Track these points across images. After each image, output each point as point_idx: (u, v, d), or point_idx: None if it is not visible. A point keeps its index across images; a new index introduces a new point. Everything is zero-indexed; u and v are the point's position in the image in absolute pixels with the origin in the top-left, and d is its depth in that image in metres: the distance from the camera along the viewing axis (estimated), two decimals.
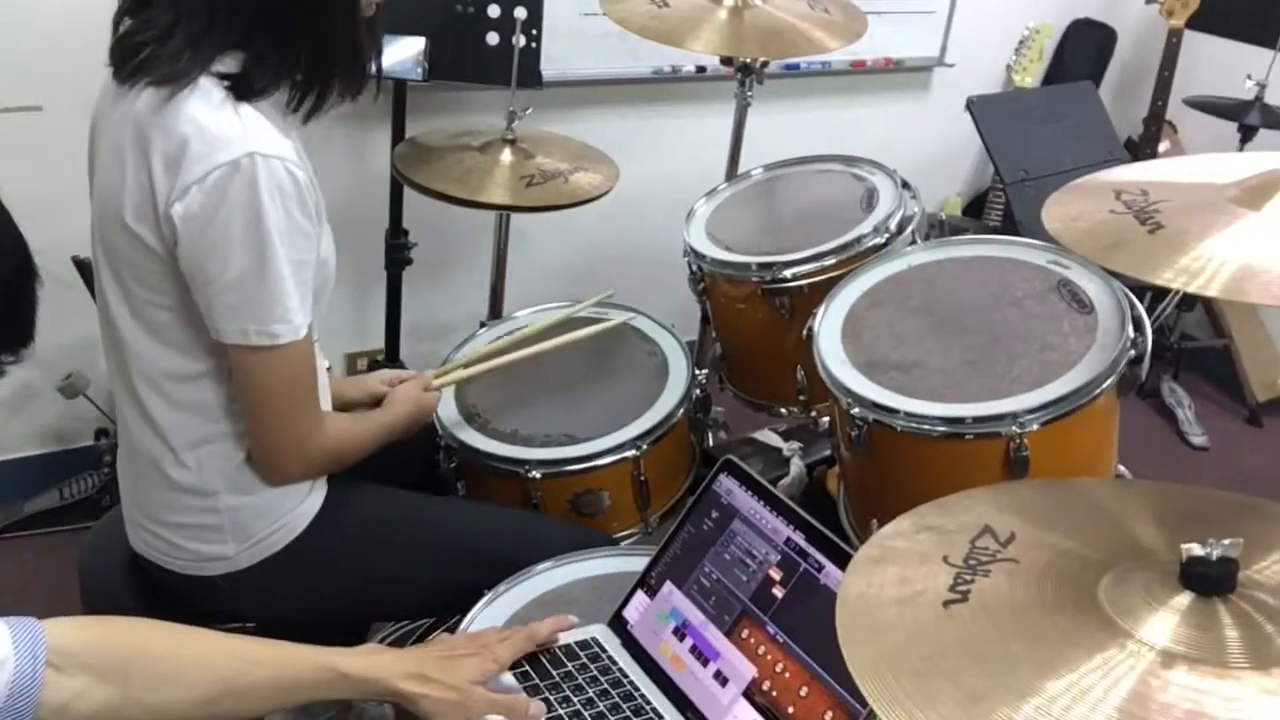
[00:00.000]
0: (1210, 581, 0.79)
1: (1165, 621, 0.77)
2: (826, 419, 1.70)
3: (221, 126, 1.16)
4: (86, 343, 2.35)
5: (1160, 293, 2.87)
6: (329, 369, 1.59)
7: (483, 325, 1.93)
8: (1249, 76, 2.79)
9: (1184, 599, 0.79)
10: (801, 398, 1.75)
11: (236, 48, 1.20)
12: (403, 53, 2.17)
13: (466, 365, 1.69)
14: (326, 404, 1.39)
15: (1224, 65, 3.06)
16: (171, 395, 1.28)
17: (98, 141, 1.30)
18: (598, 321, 1.78)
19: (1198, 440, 3.02)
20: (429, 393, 1.58)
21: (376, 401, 1.54)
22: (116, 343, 1.29)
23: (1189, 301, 3.06)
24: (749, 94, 2.25)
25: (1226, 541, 0.79)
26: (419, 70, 2.19)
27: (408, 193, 2.25)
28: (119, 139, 1.22)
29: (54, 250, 2.17)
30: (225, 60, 1.20)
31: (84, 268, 2.16)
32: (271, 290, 1.18)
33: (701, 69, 2.75)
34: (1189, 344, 3.20)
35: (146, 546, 1.36)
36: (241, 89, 1.19)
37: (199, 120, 1.16)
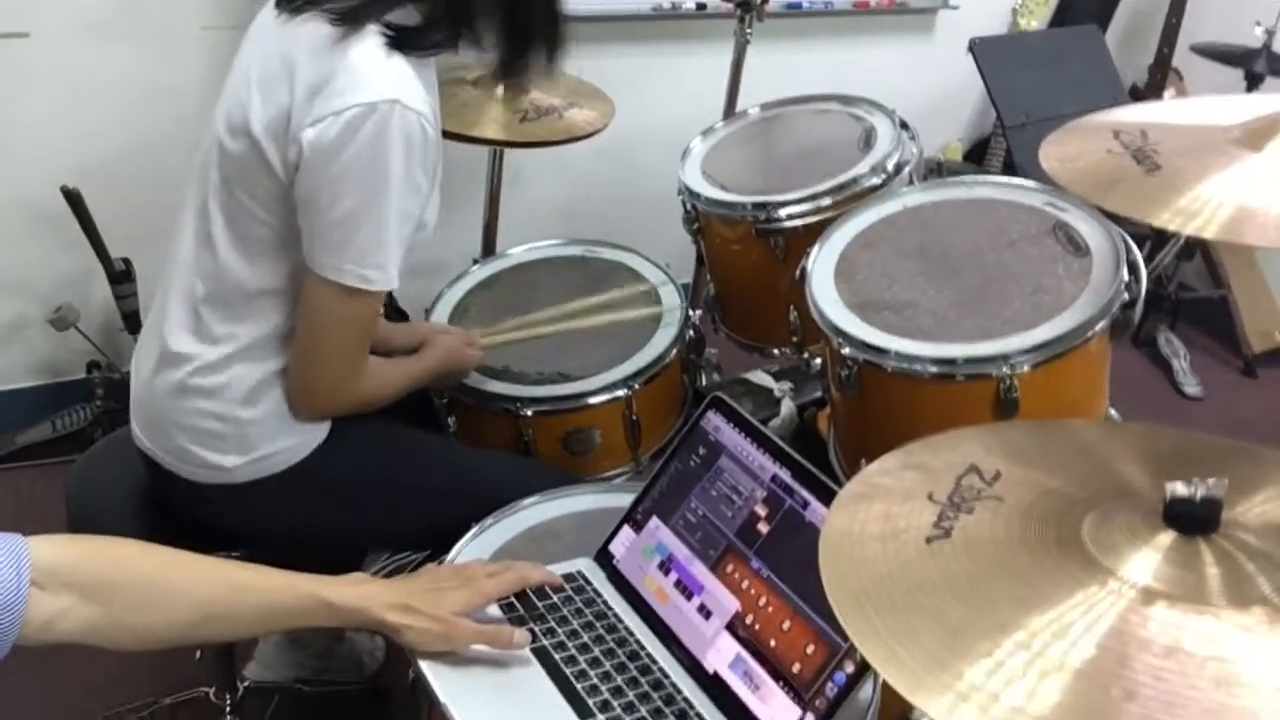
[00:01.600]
0: (1193, 521, 0.79)
1: (1147, 560, 0.77)
2: (818, 360, 1.70)
3: (371, 68, 1.18)
4: (77, 274, 2.34)
5: (1159, 241, 2.85)
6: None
7: (475, 262, 1.92)
8: (1257, 23, 2.74)
9: (1166, 538, 0.79)
10: (794, 339, 1.74)
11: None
12: None
13: (512, 330, 1.71)
14: None
15: (1232, 12, 3.01)
16: (233, 307, 1.30)
17: (241, 55, 1.31)
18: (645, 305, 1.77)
19: (1192, 390, 3.02)
20: (470, 349, 1.58)
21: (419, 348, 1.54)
22: (195, 244, 1.31)
23: (1187, 251, 3.05)
24: (748, 32, 2.22)
25: (1211, 481, 0.79)
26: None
27: None
28: (266, 54, 1.24)
29: (43, 181, 2.17)
30: (399, 12, 1.22)
31: (73, 198, 2.14)
32: (375, 235, 1.21)
33: (701, 5, 2.71)
34: (1186, 294, 3.19)
35: (152, 444, 1.37)
36: (404, 42, 1.21)
37: (352, 57, 1.18)
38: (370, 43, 1.20)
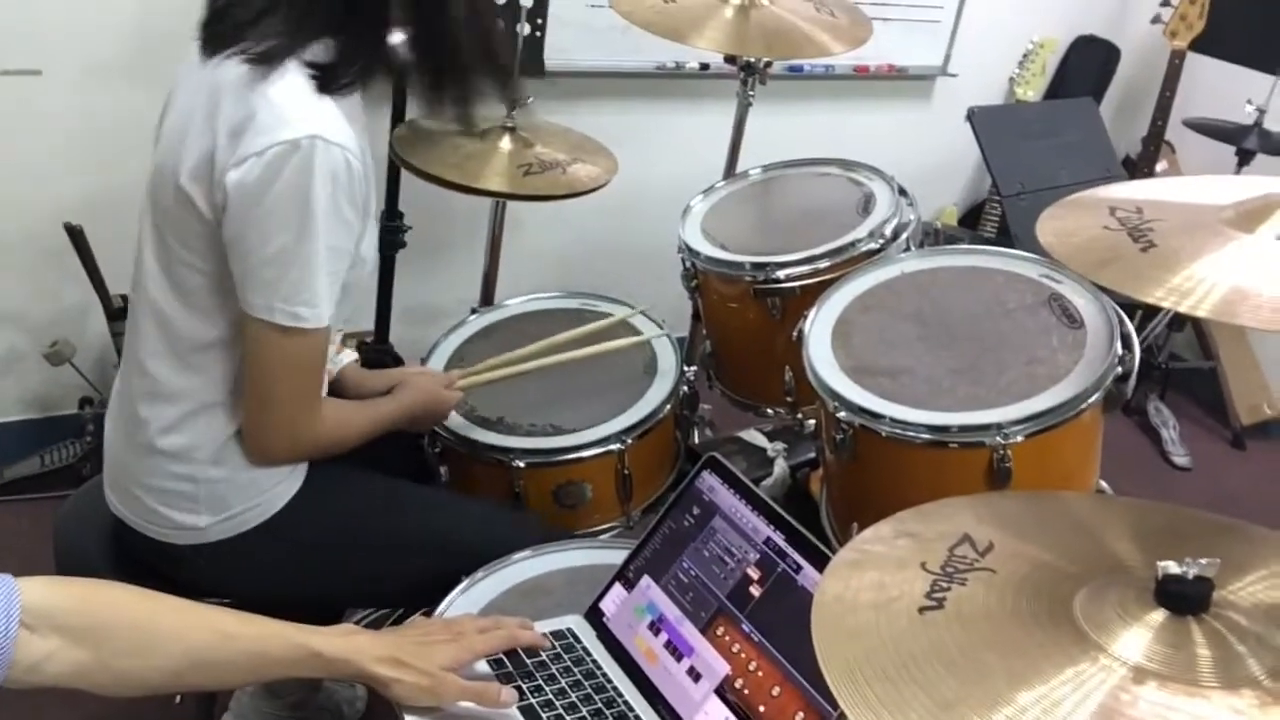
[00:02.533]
0: (1185, 600, 0.79)
1: (1138, 638, 0.78)
2: (812, 421, 1.70)
3: (292, 106, 1.17)
4: (74, 310, 2.35)
5: (1150, 312, 2.88)
6: (356, 360, 1.59)
7: (474, 312, 1.93)
8: (1249, 101, 2.80)
9: (1158, 616, 0.79)
10: (789, 399, 1.75)
11: (331, 33, 1.22)
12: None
13: (492, 369, 1.70)
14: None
15: (1225, 89, 3.07)
16: (184, 359, 1.29)
17: (171, 103, 1.32)
18: (627, 334, 1.80)
19: (1181, 461, 3.03)
20: (449, 391, 1.57)
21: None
22: (141, 301, 1.30)
23: (1178, 322, 3.08)
24: (751, 94, 2.25)
25: (1203, 561, 0.79)
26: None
27: (404, 176, 2.25)
28: (192, 101, 1.24)
29: (46, 216, 2.18)
30: (316, 48, 1.22)
31: (75, 234, 2.15)
32: (304, 272, 1.19)
33: (705, 66, 2.75)
34: (1177, 364, 3.21)
35: (124, 508, 1.36)
36: (326, 81, 1.21)
37: (272, 96, 1.17)
38: (289, 80, 1.19)
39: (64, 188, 2.24)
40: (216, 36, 1.24)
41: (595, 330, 1.80)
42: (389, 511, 1.45)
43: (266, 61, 1.19)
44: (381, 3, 1.23)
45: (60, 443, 2.40)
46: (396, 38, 1.26)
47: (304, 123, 1.16)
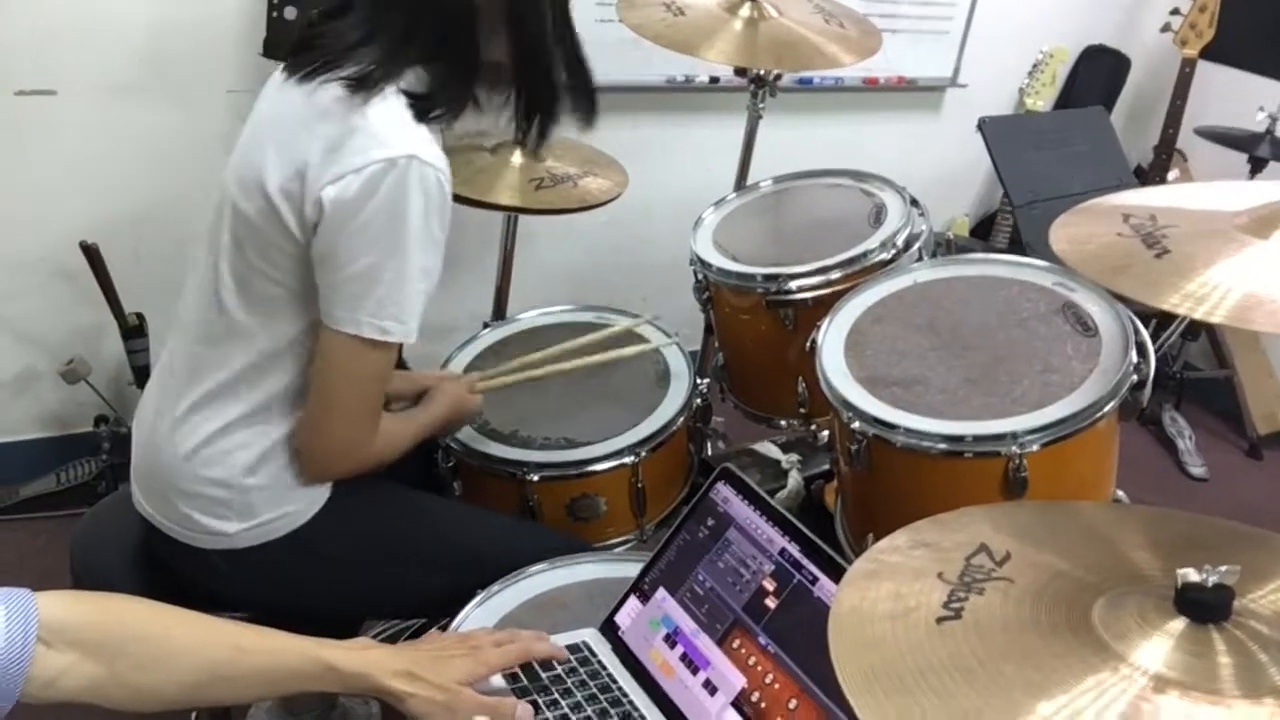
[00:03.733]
0: (1205, 608, 0.79)
1: (1159, 646, 0.77)
2: (826, 433, 1.70)
3: (390, 127, 1.20)
4: (90, 328, 2.36)
5: (1165, 321, 2.87)
6: None
7: (486, 326, 1.94)
8: (1261, 108, 2.79)
9: (1178, 625, 0.79)
10: (802, 410, 1.75)
11: (425, 63, 1.25)
12: None
13: (511, 372, 1.73)
14: None
15: (1236, 96, 3.06)
16: (238, 372, 1.30)
17: (254, 117, 1.34)
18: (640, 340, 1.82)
19: (1197, 471, 3.01)
20: (472, 395, 1.60)
21: (416, 396, 1.55)
22: (202, 306, 1.32)
23: (1193, 331, 3.06)
24: (761, 106, 2.25)
25: (1223, 568, 0.79)
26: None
27: None
28: (280, 115, 1.27)
29: (62, 235, 2.20)
30: (410, 78, 1.25)
31: (91, 253, 2.16)
32: (395, 288, 1.21)
33: (715, 79, 2.76)
34: (1192, 374, 3.20)
35: (152, 510, 1.37)
36: (423, 109, 1.24)
37: (370, 117, 1.20)
38: (389, 104, 1.22)
39: (79, 207, 2.26)
40: (306, 64, 1.26)
41: (611, 335, 1.82)
42: (413, 524, 1.46)
43: (363, 86, 1.21)
44: (473, 34, 1.26)
45: (76, 461, 2.41)
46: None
47: (401, 143, 1.19)
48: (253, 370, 1.31)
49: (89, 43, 2.17)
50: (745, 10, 2.02)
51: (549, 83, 1.34)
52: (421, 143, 1.21)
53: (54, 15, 2.12)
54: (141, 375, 2.32)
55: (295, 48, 1.30)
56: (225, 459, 1.31)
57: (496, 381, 1.70)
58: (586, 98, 1.39)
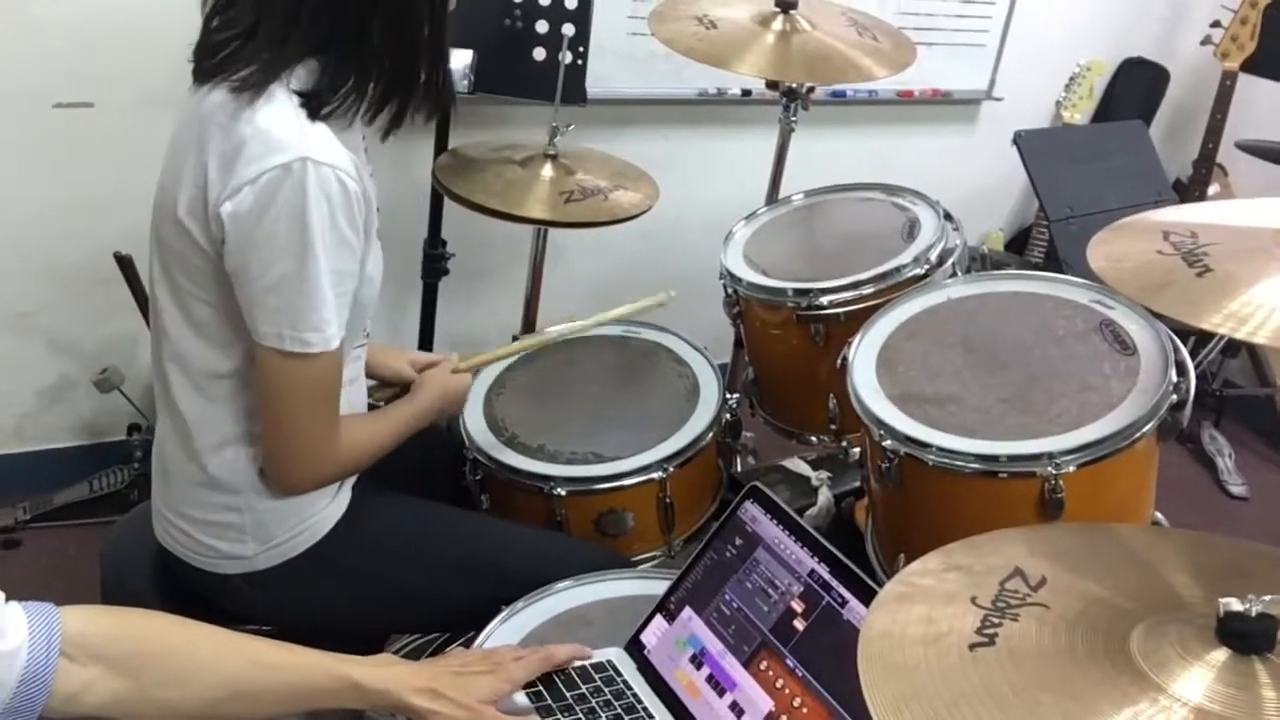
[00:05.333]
0: (1248, 639, 0.76)
1: (1200, 677, 0.75)
2: (857, 450, 1.68)
3: (280, 131, 1.17)
4: (124, 338, 2.38)
5: (1204, 338, 2.82)
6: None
7: (515, 339, 1.93)
8: None
9: (1220, 655, 0.76)
10: (833, 427, 1.73)
11: (314, 54, 1.21)
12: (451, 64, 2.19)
13: (495, 350, 1.70)
14: (360, 402, 1.40)
15: (1278, 110, 3.01)
16: (206, 391, 1.29)
17: (174, 135, 1.32)
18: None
19: (1237, 490, 2.96)
20: (456, 375, 1.56)
21: (404, 387, 1.53)
22: (160, 334, 1.31)
23: (1233, 348, 3.01)
24: (793, 119, 2.23)
25: (1268, 598, 0.76)
26: (465, 82, 2.21)
27: (447, 204, 2.26)
28: (185, 135, 1.24)
29: (97, 246, 2.22)
30: (300, 73, 1.21)
31: (125, 264, 2.18)
32: (309, 297, 1.18)
33: (747, 93, 2.75)
34: (1232, 391, 3.14)
35: (170, 540, 1.37)
36: (313, 106, 1.20)
37: (259, 123, 1.17)
38: (276, 106, 1.18)
39: (114, 218, 2.28)
40: (204, 65, 1.23)
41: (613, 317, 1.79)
42: (434, 536, 1.45)
43: (250, 88, 1.18)
44: (363, 21, 1.21)
45: (109, 469, 2.43)
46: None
47: (293, 145, 1.15)
48: (215, 394, 1.29)
49: (127, 55, 2.19)
50: (778, 23, 2.01)
51: (412, 70, 1.28)
52: (316, 143, 1.17)
53: (92, 28, 2.15)
54: None
55: (196, 52, 1.26)
56: (226, 481, 1.30)
57: (478, 360, 1.66)
58: (441, 94, 1.32)
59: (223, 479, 1.30)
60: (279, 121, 1.17)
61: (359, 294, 1.27)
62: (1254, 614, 0.76)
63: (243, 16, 1.21)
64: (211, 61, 1.22)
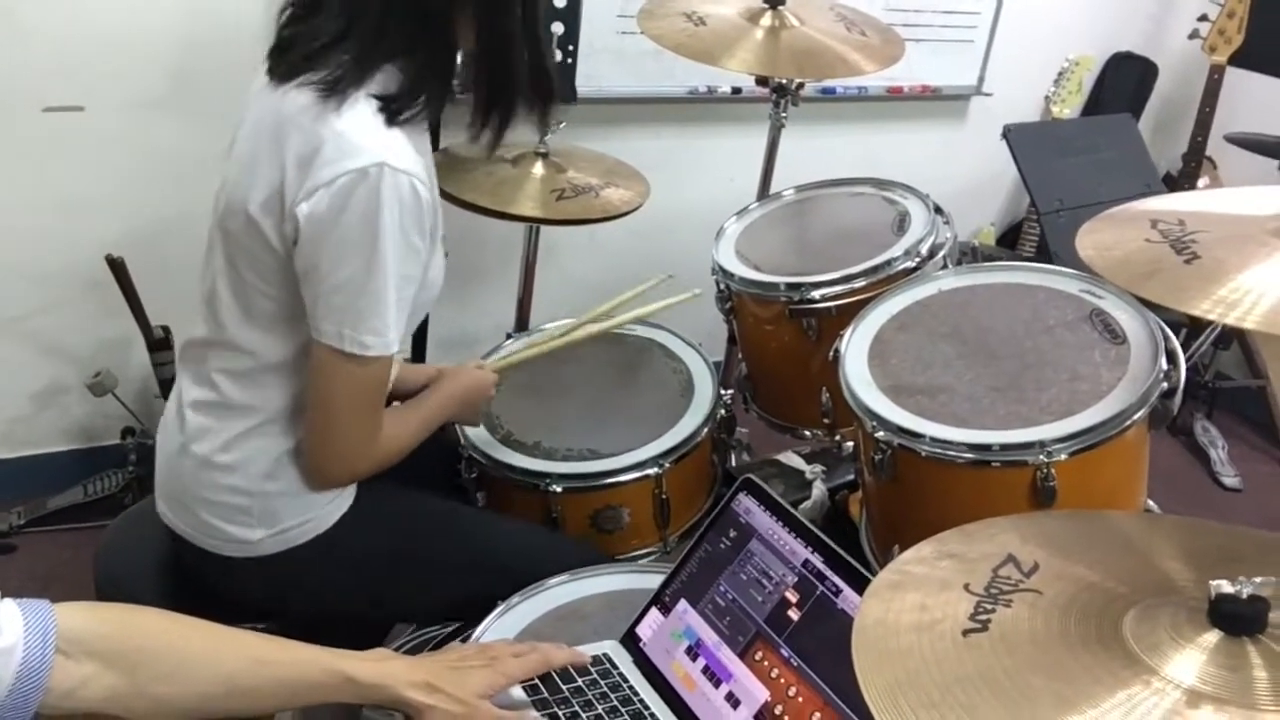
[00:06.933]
0: (1239, 620, 0.77)
1: (1192, 660, 0.75)
2: (850, 443, 1.68)
3: (358, 135, 1.18)
4: (117, 341, 2.38)
5: (1195, 330, 2.83)
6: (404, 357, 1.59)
7: (509, 337, 1.93)
8: None
9: (1212, 637, 0.77)
10: (826, 420, 1.73)
11: (397, 58, 1.23)
12: None
13: (520, 354, 1.71)
14: None
15: (1266, 103, 3.03)
16: (248, 377, 1.31)
17: (240, 128, 1.33)
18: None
19: (1230, 481, 2.97)
20: (479, 370, 1.57)
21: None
22: (209, 318, 1.32)
23: (1224, 340, 3.02)
24: (783, 116, 2.24)
25: (1258, 580, 0.77)
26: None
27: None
28: (259, 130, 1.25)
29: (89, 249, 2.22)
30: (379, 78, 1.22)
31: (117, 267, 2.18)
32: (373, 300, 1.20)
33: (737, 90, 2.75)
34: (1224, 383, 3.15)
35: (177, 519, 1.37)
36: (395, 111, 1.21)
37: (338, 127, 1.18)
38: (357, 111, 1.20)
39: (106, 221, 2.27)
40: (285, 64, 1.25)
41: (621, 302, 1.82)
42: (438, 529, 1.46)
43: (334, 92, 1.20)
44: (448, 22, 1.24)
45: (103, 473, 2.42)
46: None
47: (370, 151, 1.17)
48: (260, 381, 1.31)
49: (117, 59, 2.19)
50: (766, 19, 2.02)
51: (512, 79, 1.30)
52: (393, 149, 1.19)
53: (82, 31, 2.15)
54: (167, 387, 2.32)
55: (272, 49, 1.28)
56: (244, 466, 1.32)
57: (510, 360, 1.67)
58: (545, 99, 1.35)
59: (240, 462, 1.32)
60: (358, 125, 1.19)
61: (418, 298, 1.29)
62: (1245, 596, 0.77)
63: (329, 24, 1.23)
64: (291, 60, 1.24)
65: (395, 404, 1.43)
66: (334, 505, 1.36)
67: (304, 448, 1.31)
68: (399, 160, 1.18)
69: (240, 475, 1.32)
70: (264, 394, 1.31)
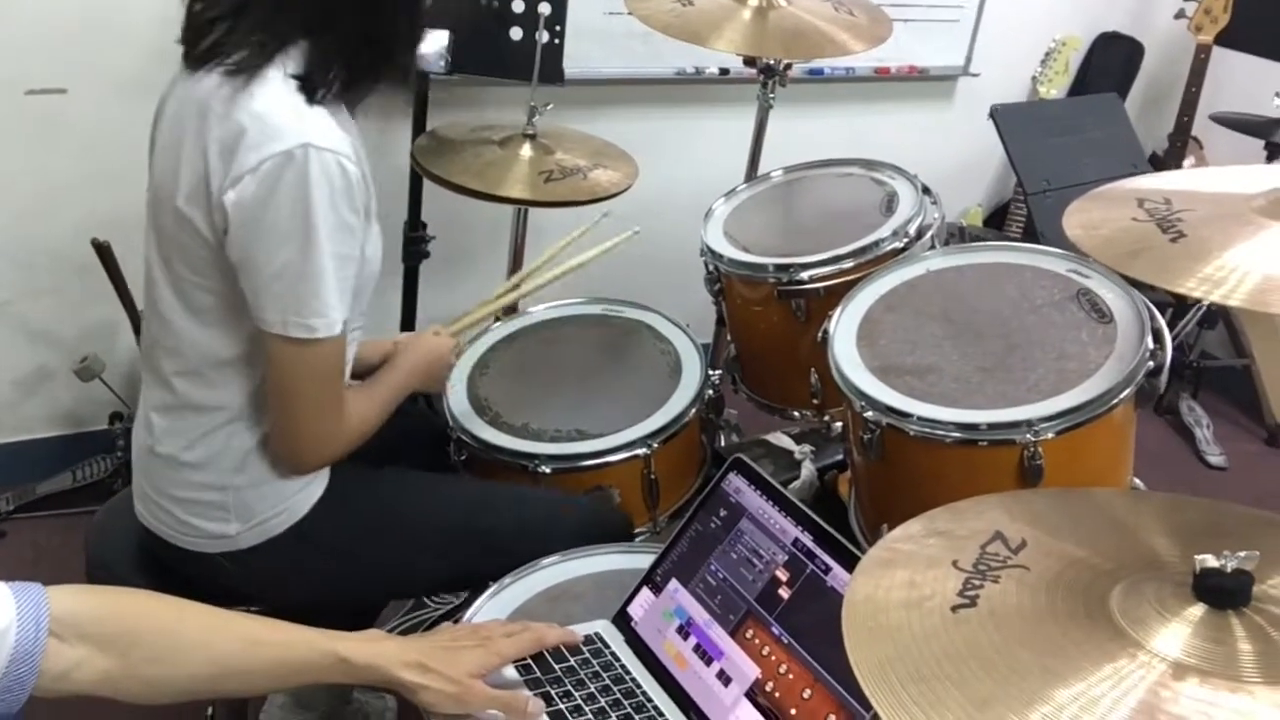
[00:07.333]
0: (1224, 594, 0.78)
1: (1177, 633, 0.76)
2: (839, 423, 1.69)
3: (279, 116, 1.16)
4: (103, 326, 2.37)
5: (1181, 310, 2.84)
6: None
7: (497, 319, 1.93)
8: (1277, 94, 2.75)
9: (1197, 611, 0.78)
10: (815, 401, 1.74)
11: (306, 35, 1.20)
12: (426, 45, 2.17)
13: (473, 316, 1.69)
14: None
15: (1252, 82, 3.03)
16: (202, 376, 1.29)
17: (160, 122, 1.31)
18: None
19: (1216, 460, 2.99)
20: (435, 336, 1.56)
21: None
22: (155, 319, 1.31)
23: (1210, 319, 3.04)
24: (771, 96, 2.24)
25: (1242, 554, 0.78)
26: (442, 63, 2.19)
27: (427, 185, 2.25)
28: (180, 121, 1.23)
29: (74, 233, 2.20)
30: (295, 55, 1.20)
31: (103, 251, 2.17)
32: (313, 283, 1.19)
33: (725, 71, 2.75)
34: (1209, 363, 3.17)
35: (154, 520, 1.37)
36: (312, 88, 1.19)
37: (257, 109, 1.16)
38: (272, 90, 1.17)
39: (91, 205, 2.26)
40: (195, 49, 1.23)
41: (556, 252, 1.81)
42: (416, 503, 1.46)
43: (244, 72, 1.17)
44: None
45: (91, 458, 2.42)
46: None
47: (293, 132, 1.15)
48: (215, 379, 1.29)
49: (99, 41, 2.17)
50: (754, 0, 2.01)
51: (386, 51, 1.27)
52: (317, 128, 1.16)
53: (64, 14, 2.13)
54: None
55: (185, 36, 1.26)
56: (211, 462, 1.31)
57: (464, 322, 1.66)
58: (405, 81, 1.34)
59: (208, 459, 1.31)
60: (277, 106, 1.17)
61: (360, 275, 1.27)
62: (1229, 570, 0.78)
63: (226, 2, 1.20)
64: (202, 46, 1.21)
65: (354, 383, 1.42)
66: (307, 492, 1.36)
67: (272, 438, 1.30)
68: (324, 139, 1.16)
69: (210, 472, 1.31)
70: (222, 391, 1.29)
